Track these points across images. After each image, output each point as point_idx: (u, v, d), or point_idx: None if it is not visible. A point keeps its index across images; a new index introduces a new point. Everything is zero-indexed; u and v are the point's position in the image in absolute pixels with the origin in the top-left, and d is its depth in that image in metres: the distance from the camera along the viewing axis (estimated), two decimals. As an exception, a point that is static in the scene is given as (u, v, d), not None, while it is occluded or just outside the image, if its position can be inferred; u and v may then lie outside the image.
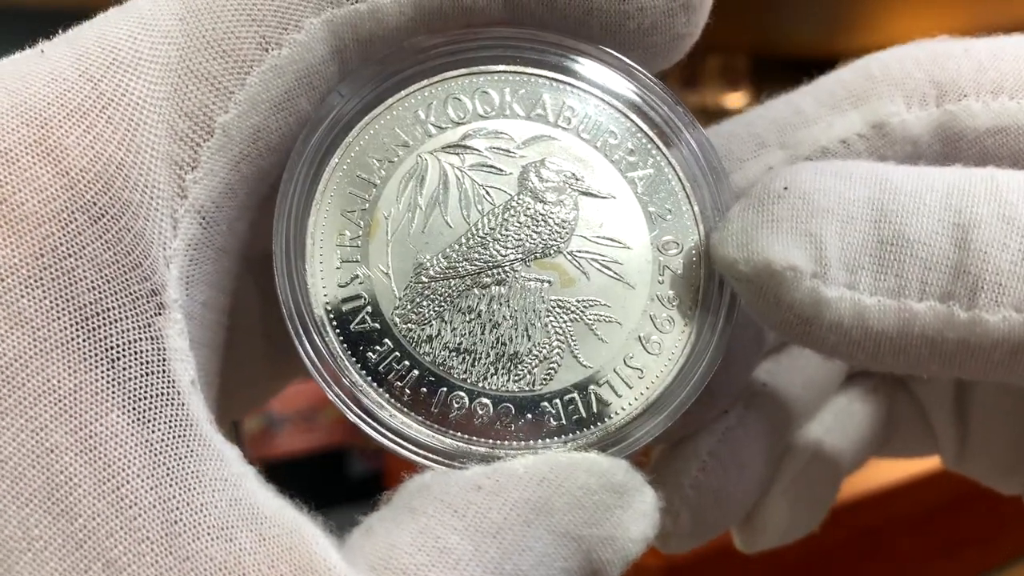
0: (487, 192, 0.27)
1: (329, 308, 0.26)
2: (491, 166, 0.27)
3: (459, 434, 0.26)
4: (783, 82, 0.32)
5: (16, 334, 0.21)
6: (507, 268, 0.27)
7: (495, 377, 0.27)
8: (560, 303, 0.27)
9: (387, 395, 0.26)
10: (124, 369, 0.21)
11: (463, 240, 0.27)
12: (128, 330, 0.22)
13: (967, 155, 0.29)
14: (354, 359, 0.26)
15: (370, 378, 0.26)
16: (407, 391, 0.26)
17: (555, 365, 0.27)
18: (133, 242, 0.22)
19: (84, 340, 0.21)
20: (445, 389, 0.26)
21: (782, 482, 0.36)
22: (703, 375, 0.27)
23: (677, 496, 0.32)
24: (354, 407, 0.26)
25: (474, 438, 0.26)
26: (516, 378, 0.27)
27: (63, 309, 0.21)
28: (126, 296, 0.22)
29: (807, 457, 0.37)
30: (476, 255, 0.27)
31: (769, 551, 0.37)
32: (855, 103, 0.29)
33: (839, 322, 0.25)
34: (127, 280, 0.22)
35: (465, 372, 0.26)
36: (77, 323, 0.21)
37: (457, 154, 0.27)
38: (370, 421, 0.26)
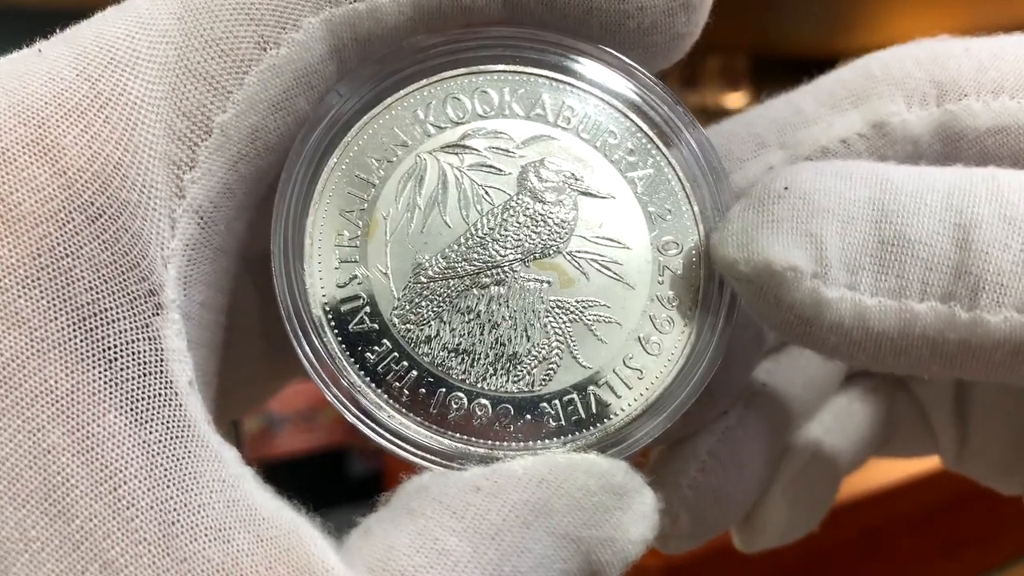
0: (486, 192, 0.27)
1: (327, 308, 0.26)
2: (490, 166, 0.27)
3: (458, 435, 0.26)
4: (783, 82, 0.32)
5: (13, 334, 0.21)
6: (506, 268, 0.27)
7: (494, 378, 0.26)
8: (559, 303, 0.27)
9: (386, 396, 0.26)
10: (121, 369, 0.21)
11: (462, 240, 0.27)
12: (126, 330, 0.22)
13: (968, 155, 0.29)
14: (352, 360, 0.26)
15: (368, 379, 0.26)
16: (406, 392, 0.26)
17: (554, 366, 0.27)
18: (131, 242, 0.22)
19: (81, 340, 0.21)
20: (444, 390, 0.26)
21: (782, 482, 0.36)
22: (703, 376, 0.27)
23: (676, 496, 0.32)
24: (352, 408, 0.26)
25: (473, 439, 0.26)
26: (515, 379, 0.27)
27: (60, 309, 0.21)
28: (124, 296, 0.22)
29: (807, 457, 0.37)
30: (475, 255, 0.27)
31: (769, 551, 0.37)
32: (855, 103, 0.29)
33: (840, 323, 0.25)
34: (125, 280, 0.22)
35: (464, 373, 0.26)
36: (74, 323, 0.21)
37: (456, 154, 0.27)
38: (368, 422, 0.26)
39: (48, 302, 0.21)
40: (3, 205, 0.21)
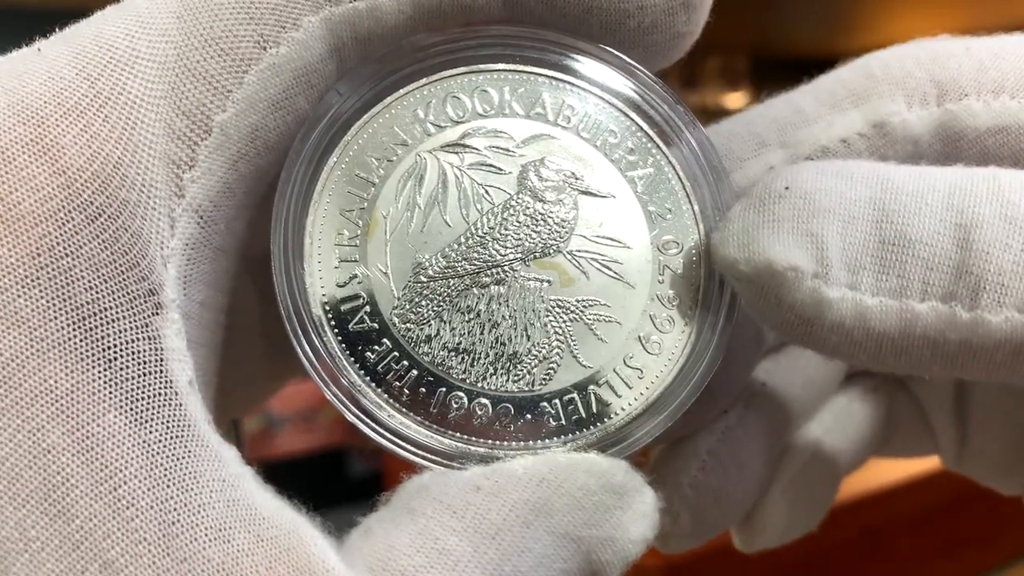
0: (486, 191, 0.27)
1: (327, 308, 0.26)
2: (490, 165, 0.27)
3: (458, 434, 0.26)
4: (783, 82, 0.32)
5: (13, 334, 0.21)
6: (506, 268, 0.27)
7: (494, 377, 0.26)
8: (560, 303, 0.27)
9: (386, 395, 0.26)
10: (121, 369, 0.21)
11: (462, 239, 0.27)
12: (125, 330, 0.22)
13: (968, 155, 0.29)
14: (352, 359, 0.26)
15: (368, 378, 0.26)
16: (406, 391, 0.26)
17: (554, 365, 0.27)
18: (130, 241, 0.22)
19: (81, 340, 0.21)
20: (444, 389, 0.26)
21: (781, 482, 0.36)
22: (703, 375, 0.27)
23: (676, 496, 0.32)
24: (353, 407, 0.26)
25: (473, 438, 0.26)
26: (515, 378, 0.26)
27: (60, 309, 0.21)
28: (123, 296, 0.22)
29: (806, 457, 0.37)
30: (475, 254, 0.27)
31: (768, 551, 0.37)
32: (856, 102, 0.29)
33: (840, 323, 0.25)
34: (124, 280, 0.22)
35: (464, 372, 0.26)
36: (74, 323, 0.21)
37: (456, 153, 0.27)
38: (369, 421, 0.26)
39: (48, 302, 0.21)
40: (2, 205, 0.21)
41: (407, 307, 0.26)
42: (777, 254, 0.25)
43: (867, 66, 0.30)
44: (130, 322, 0.22)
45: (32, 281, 0.21)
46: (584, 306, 0.27)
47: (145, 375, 0.22)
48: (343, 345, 0.26)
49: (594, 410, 0.27)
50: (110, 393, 0.21)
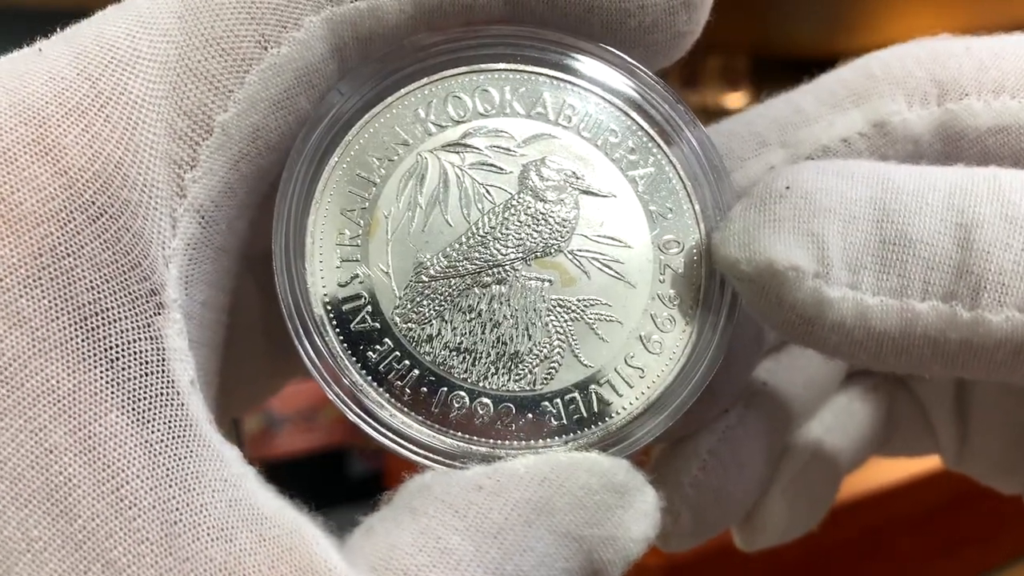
0: (487, 191, 0.27)
1: (329, 307, 0.26)
2: (491, 165, 0.27)
3: (460, 434, 0.26)
4: (783, 82, 0.32)
5: (15, 334, 0.21)
6: (507, 267, 0.27)
7: (496, 377, 0.26)
8: (561, 302, 0.27)
9: (387, 395, 0.26)
10: (123, 369, 0.21)
11: (463, 239, 0.27)
12: (127, 330, 0.22)
13: (968, 154, 0.29)
14: (354, 359, 0.26)
15: (370, 378, 0.26)
16: (407, 391, 0.26)
17: (556, 364, 0.27)
18: (132, 241, 0.22)
19: (83, 340, 0.21)
20: (445, 389, 0.26)
21: (782, 481, 0.36)
22: (704, 374, 0.27)
23: (677, 495, 0.32)
24: (354, 407, 0.26)
25: (475, 438, 0.26)
26: (517, 378, 0.27)
27: (62, 309, 0.21)
28: (125, 296, 0.22)
29: (807, 456, 0.37)
30: (476, 254, 0.27)
31: (769, 550, 0.37)
32: (856, 102, 0.29)
33: (841, 322, 0.25)
34: (126, 280, 0.22)
35: (466, 372, 0.26)
36: (76, 323, 0.21)
37: (457, 152, 0.27)
38: (370, 421, 0.26)
39: (49, 302, 0.21)
40: (4, 205, 0.21)
41: (408, 307, 0.26)
42: (778, 254, 0.25)
43: (867, 66, 0.30)
44: (132, 322, 0.22)
45: (34, 281, 0.21)
46: (585, 305, 0.27)
47: (147, 375, 0.22)
48: (344, 345, 0.26)
49: (595, 409, 0.27)
50: (112, 393, 0.21)
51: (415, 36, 0.27)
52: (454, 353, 0.26)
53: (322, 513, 0.24)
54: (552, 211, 0.27)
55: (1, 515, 0.20)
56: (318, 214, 0.26)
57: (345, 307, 0.26)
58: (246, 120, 0.24)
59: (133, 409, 0.21)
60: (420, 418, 0.26)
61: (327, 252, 0.26)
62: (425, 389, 0.26)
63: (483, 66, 0.27)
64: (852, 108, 0.29)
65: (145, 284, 0.22)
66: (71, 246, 0.21)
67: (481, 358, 0.26)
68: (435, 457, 0.26)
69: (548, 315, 0.27)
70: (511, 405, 0.26)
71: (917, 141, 0.29)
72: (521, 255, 0.27)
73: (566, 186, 0.27)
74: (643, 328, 0.27)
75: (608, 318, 0.27)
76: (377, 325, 0.26)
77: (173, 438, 0.22)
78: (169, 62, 0.24)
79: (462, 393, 0.26)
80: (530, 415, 0.26)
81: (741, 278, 0.26)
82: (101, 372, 0.21)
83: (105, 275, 0.22)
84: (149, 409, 0.21)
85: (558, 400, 0.27)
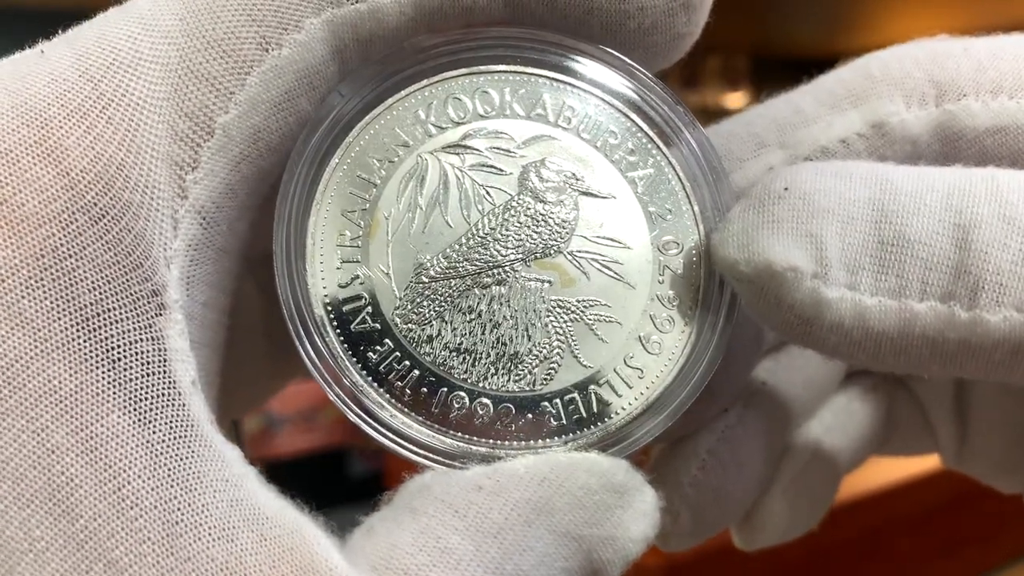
0: (487, 192, 0.27)
1: (329, 308, 0.26)
2: (491, 166, 0.27)
3: (460, 434, 0.26)
4: (783, 82, 0.32)
5: (17, 335, 0.21)
6: (507, 268, 0.27)
7: (495, 377, 0.27)
8: (560, 303, 0.27)
9: (388, 395, 0.26)
10: (125, 370, 0.22)
11: (463, 240, 0.27)
12: (129, 331, 0.22)
13: (967, 155, 0.29)
14: (355, 359, 0.26)
15: (371, 378, 0.26)
16: (408, 391, 0.26)
17: (555, 365, 0.27)
18: (134, 243, 0.22)
19: (85, 341, 0.21)
20: (445, 389, 0.26)
21: (782, 481, 0.36)
22: (703, 375, 0.27)
23: (677, 495, 0.32)
24: (355, 407, 0.26)
25: (475, 438, 0.26)
26: (516, 378, 0.27)
27: (64, 310, 0.21)
28: (127, 297, 0.22)
29: (807, 456, 0.37)
30: (476, 255, 0.27)
31: (769, 550, 0.37)
32: (855, 102, 0.29)
33: (840, 323, 0.25)
34: (128, 281, 0.22)
35: (465, 372, 0.26)
36: (78, 324, 0.21)
37: (457, 154, 0.27)
38: (371, 421, 0.26)
39: (52, 303, 0.21)
40: (7, 206, 0.21)
41: (409, 307, 0.26)
42: (776, 255, 0.25)
43: (866, 66, 0.30)
44: (133, 323, 0.22)
45: (36, 282, 0.21)
46: (585, 306, 0.27)
47: (148, 375, 0.22)
48: (345, 345, 0.26)
49: (595, 410, 0.27)
50: (114, 393, 0.21)
51: (415, 38, 0.27)
52: (454, 354, 0.26)
53: (322, 513, 0.24)
54: (552, 212, 0.27)
55: (3, 515, 0.20)
56: (319, 215, 0.26)
57: (345, 308, 0.26)
58: (247, 122, 0.24)
59: (135, 409, 0.21)
60: (420, 418, 0.26)
61: (328, 253, 0.26)
62: (425, 389, 0.26)
63: (483, 68, 0.27)
64: (851, 109, 0.29)
65: (146, 285, 0.22)
66: (73, 247, 0.21)
67: (481, 359, 0.27)
68: (435, 457, 0.26)
69: (548, 316, 0.27)
70: (511, 405, 0.27)
71: (915, 142, 0.29)
72: (521, 256, 0.27)
73: (566, 187, 0.27)
74: (642, 329, 0.27)
75: (607, 319, 0.27)
76: (377, 326, 0.26)
77: (174, 438, 0.22)
78: (170, 64, 0.24)
79: (462, 393, 0.26)
80: (530, 415, 0.27)
81: (740, 279, 0.26)
82: (103, 372, 0.21)
83: (107, 276, 0.22)
84: (151, 409, 0.22)
85: (558, 400, 0.27)
